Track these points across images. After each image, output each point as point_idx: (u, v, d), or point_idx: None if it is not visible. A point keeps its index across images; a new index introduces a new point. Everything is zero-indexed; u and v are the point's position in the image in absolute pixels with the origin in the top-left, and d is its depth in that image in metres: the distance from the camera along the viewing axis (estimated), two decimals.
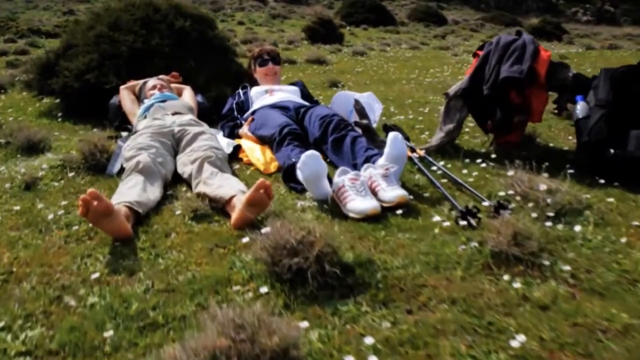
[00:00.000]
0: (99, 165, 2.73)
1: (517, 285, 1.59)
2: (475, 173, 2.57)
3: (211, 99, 3.87)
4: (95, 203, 1.78)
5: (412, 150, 2.77)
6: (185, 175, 2.46)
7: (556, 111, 2.83)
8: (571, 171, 2.58)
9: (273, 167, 2.70)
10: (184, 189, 2.46)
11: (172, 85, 3.67)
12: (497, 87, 2.71)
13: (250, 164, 2.83)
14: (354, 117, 3.12)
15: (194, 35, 4.14)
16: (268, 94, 3.31)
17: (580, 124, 2.62)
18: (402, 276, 1.64)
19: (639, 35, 22.75)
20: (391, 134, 2.32)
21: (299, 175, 2.26)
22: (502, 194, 2.26)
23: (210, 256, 1.80)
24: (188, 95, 3.60)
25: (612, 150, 2.46)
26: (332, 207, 2.19)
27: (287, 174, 2.45)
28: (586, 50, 11.64)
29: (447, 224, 1.97)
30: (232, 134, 3.21)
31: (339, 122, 2.75)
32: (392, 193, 2.16)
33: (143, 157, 2.39)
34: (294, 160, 2.47)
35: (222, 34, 4.68)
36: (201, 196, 2.20)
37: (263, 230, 1.67)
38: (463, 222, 1.94)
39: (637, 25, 33.35)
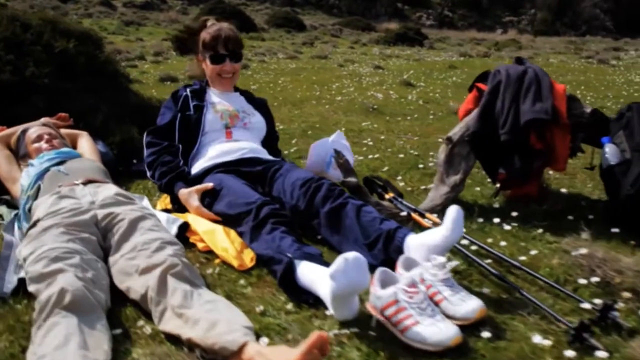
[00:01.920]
0: None
1: None
2: (531, 249, 2.01)
3: (115, 146, 2.93)
4: None
5: (422, 215, 2.16)
6: (134, 295, 1.60)
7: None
8: (615, 230, 2.17)
9: (249, 260, 1.91)
10: (135, 315, 1.59)
11: (62, 131, 2.69)
12: (518, 131, 2.20)
13: (209, 251, 2.02)
14: (333, 168, 2.44)
15: (81, 60, 3.14)
16: (225, 134, 2.44)
17: (616, 172, 2.21)
18: None
19: (482, 39, 24.73)
20: (453, 210, 1.68)
21: (326, 285, 1.53)
22: (583, 281, 1.74)
23: None
24: (87, 146, 2.65)
25: None
26: (379, 332, 1.51)
27: (287, 277, 1.70)
28: (468, 58, 11.92)
29: (570, 354, 1.38)
30: (169, 188, 2.30)
31: (330, 187, 2.05)
32: (467, 306, 1.52)
33: (67, 279, 1.48)
34: (290, 256, 1.72)
35: (112, 55, 3.69)
36: (184, 342, 1.39)
37: None
38: (602, 354, 1.36)
39: (474, 29, 36.39)
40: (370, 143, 3.69)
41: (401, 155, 3.30)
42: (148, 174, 2.35)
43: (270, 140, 2.64)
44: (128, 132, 3.03)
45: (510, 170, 2.29)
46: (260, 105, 2.69)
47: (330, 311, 1.57)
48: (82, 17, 19.58)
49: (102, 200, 1.94)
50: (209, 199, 2.17)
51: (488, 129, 2.29)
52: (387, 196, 2.33)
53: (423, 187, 2.73)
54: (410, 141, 3.76)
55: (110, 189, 2.05)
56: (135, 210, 1.90)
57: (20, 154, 2.48)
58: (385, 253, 1.81)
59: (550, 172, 3.04)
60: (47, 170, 2.19)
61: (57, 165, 2.23)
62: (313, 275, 1.64)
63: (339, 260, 1.45)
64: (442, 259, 1.60)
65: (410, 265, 1.66)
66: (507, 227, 2.20)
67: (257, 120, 2.57)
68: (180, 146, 2.39)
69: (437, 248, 1.68)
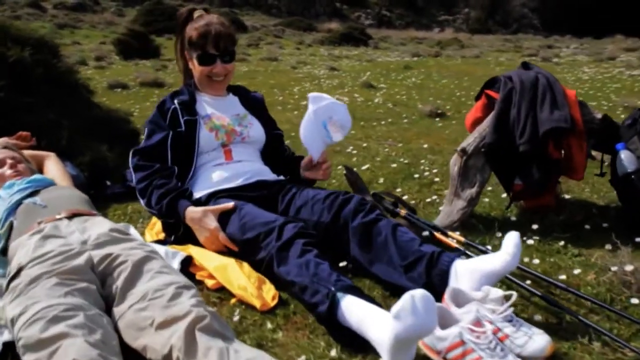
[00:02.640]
0: None
1: None
2: (564, 266, 1.89)
3: (85, 167, 2.63)
4: None
5: (445, 234, 2.01)
6: (152, 355, 1.35)
7: None
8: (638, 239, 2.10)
9: (271, 298, 1.69)
10: None
11: (26, 153, 2.37)
12: (538, 141, 2.09)
13: (220, 288, 1.79)
14: (333, 132, 2.13)
15: (39, 71, 2.80)
16: (223, 153, 2.16)
17: (633, 179, 2.14)
18: None
19: (423, 38, 25.15)
20: (514, 235, 1.53)
21: (382, 326, 1.34)
22: (635, 301, 1.64)
23: None
24: (56, 169, 2.35)
25: None
26: None
27: (332, 314, 1.50)
28: (421, 58, 11.92)
29: None
30: (172, 210, 1.98)
31: (360, 201, 1.87)
32: (534, 344, 1.38)
33: (77, 346, 1.22)
34: (332, 288, 1.52)
35: (69, 63, 3.36)
36: None
37: None
38: None
39: (412, 28, 37.02)
40: (355, 151, 3.53)
41: (393, 165, 3.15)
42: (142, 202, 2.07)
43: (274, 142, 2.36)
44: (98, 150, 2.73)
45: (528, 181, 2.18)
46: (257, 106, 2.37)
47: (383, 358, 1.38)
48: (9, 19, 18.42)
49: (96, 238, 1.67)
50: (222, 222, 1.93)
51: (503, 139, 2.17)
52: (401, 213, 2.17)
53: (428, 200, 2.58)
54: (395, 148, 3.63)
55: (101, 224, 1.77)
56: (137, 249, 1.64)
57: None
58: (427, 277, 1.63)
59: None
60: (19, 203, 1.89)
61: (31, 196, 1.93)
62: (361, 313, 1.44)
63: (406, 298, 1.26)
64: (500, 292, 1.45)
65: (459, 297, 1.50)
66: (530, 242, 2.09)
67: (256, 131, 2.27)
68: (176, 168, 2.09)
69: (493, 275, 1.52)
